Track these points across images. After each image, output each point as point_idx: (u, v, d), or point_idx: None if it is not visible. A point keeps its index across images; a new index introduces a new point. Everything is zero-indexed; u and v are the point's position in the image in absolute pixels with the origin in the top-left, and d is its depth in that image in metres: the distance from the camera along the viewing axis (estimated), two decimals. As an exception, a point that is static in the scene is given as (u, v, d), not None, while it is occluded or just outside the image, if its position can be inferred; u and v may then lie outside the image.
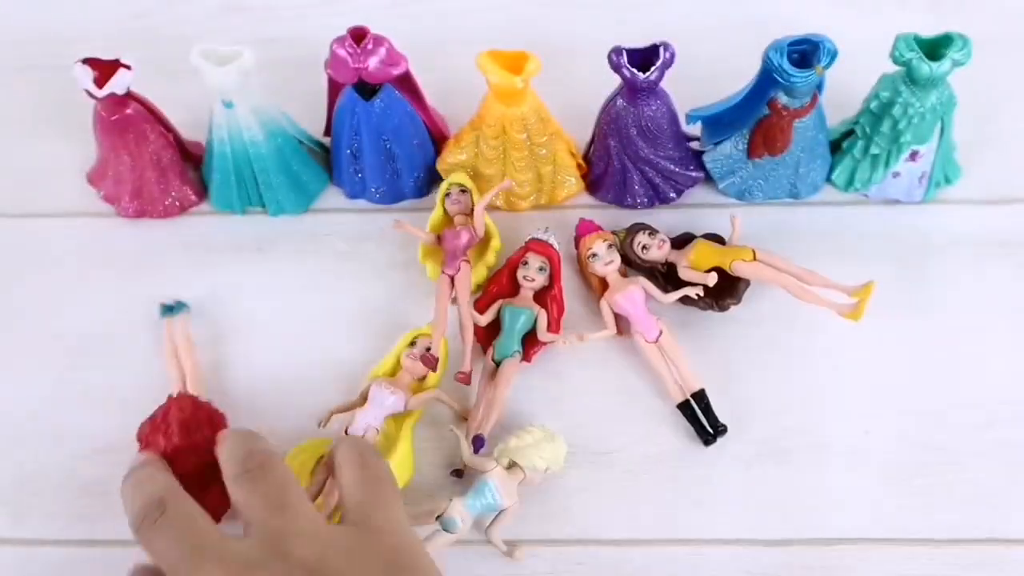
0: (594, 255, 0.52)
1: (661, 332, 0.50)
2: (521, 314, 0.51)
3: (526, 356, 0.51)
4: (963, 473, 0.48)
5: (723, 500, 0.48)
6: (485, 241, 0.54)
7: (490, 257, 0.54)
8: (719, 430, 0.49)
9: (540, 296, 0.52)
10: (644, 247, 0.52)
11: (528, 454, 0.46)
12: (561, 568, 0.47)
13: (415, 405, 0.49)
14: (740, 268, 0.50)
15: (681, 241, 0.54)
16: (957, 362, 0.51)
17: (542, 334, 0.51)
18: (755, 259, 0.50)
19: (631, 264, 0.53)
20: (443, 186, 0.54)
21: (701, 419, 0.49)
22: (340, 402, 0.49)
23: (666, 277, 0.53)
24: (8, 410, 0.51)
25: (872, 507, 0.48)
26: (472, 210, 0.53)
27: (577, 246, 0.54)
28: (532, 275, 0.52)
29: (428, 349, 0.49)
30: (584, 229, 0.53)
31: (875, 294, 0.48)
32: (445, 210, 0.54)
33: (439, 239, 0.53)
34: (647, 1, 0.67)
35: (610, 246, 0.52)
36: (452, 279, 0.51)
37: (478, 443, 0.48)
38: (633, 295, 0.51)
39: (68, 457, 0.50)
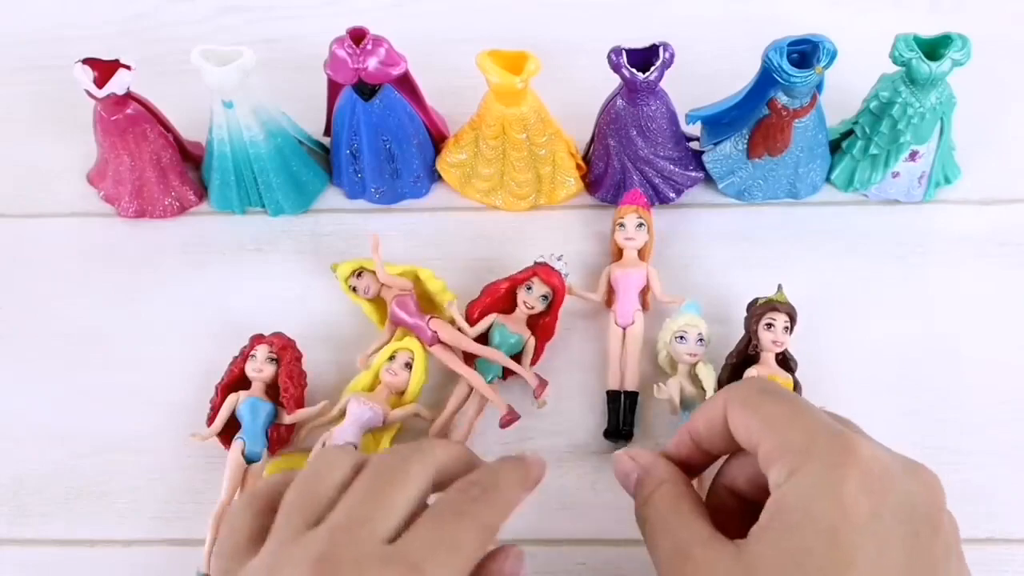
0: (621, 225, 0.52)
1: (634, 322, 0.51)
2: (511, 337, 0.50)
3: (504, 375, 0.51)
4: (963, 473, 0.47)
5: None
6: (420, 286, 0.52)
7: (444, 308, 0.52)
8: (624, 432, 0.49)
9: (532, 319, 0.51)
10: (769, 325, 0.47)
11: (668, 340, 0.49)
12: (561, 568, 0.47)
13: (394, 419, 0.48)
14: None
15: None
16: (957, 362, 0.51)
17: (524, 364, 0.50)
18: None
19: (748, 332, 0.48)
20: (343, 286, 0.52)
21: (619, 414, 0.49)
22: (316, 417, 0.49)
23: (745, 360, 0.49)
24: (8, 410, 0.51)
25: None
26: (383, 283, 0.51)
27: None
28: (533, 302, 0.50)
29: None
30: (630, 199, 0.53)
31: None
32: (370, 302, 0.52)
33: (413, 301, 0.51)
34: (647, 1, 0.67)
35: (639, 225, 0.52)
36: (442, 343, 0.50)
37: None
38: (631, 276, 0.51)
39: (68, 457, 0.50)
